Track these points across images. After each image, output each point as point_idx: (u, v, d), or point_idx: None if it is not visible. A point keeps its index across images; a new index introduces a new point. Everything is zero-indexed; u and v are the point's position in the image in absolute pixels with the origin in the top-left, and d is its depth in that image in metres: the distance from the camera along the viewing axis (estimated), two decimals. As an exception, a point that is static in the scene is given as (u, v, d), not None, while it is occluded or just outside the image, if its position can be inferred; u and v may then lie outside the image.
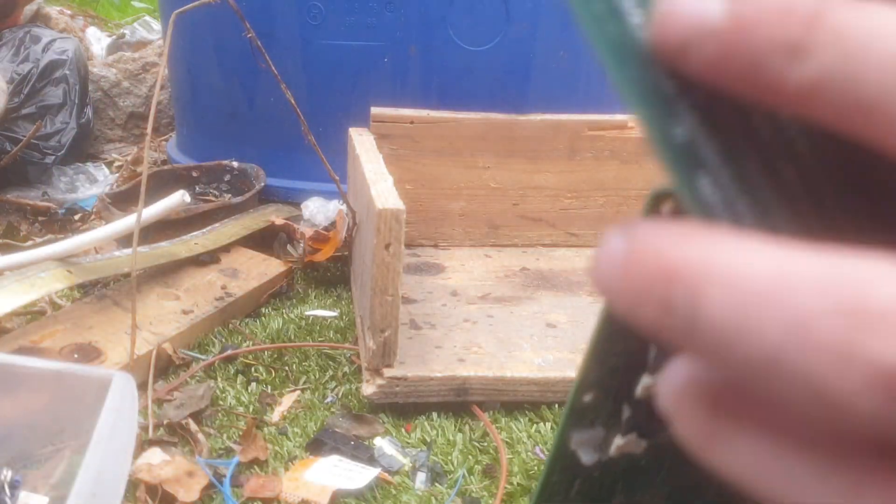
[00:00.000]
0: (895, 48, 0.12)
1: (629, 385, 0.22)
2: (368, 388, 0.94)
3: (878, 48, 0.12)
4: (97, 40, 2.33)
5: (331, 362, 1.06)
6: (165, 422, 0.92)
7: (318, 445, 0.90)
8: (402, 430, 0.93)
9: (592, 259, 0.15)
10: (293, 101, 1.09)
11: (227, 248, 1.28)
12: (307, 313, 1.18)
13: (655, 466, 0.24)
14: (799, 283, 0.12)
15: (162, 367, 1.02)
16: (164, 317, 1.08)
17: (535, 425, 0.94)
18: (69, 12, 2.45)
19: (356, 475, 0.84)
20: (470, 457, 0.89)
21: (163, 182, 1.44)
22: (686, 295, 0.13)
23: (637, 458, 0.24)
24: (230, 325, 1.13)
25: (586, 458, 0.23)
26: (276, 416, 0.95)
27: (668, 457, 0.24)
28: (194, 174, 1.53)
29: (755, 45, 0.13)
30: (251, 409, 0.96)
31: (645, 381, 0.21)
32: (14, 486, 0.75)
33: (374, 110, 1.27)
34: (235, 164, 1.53)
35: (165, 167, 1.61)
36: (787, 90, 0.13)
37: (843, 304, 0.11)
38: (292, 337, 1.11)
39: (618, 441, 0.23)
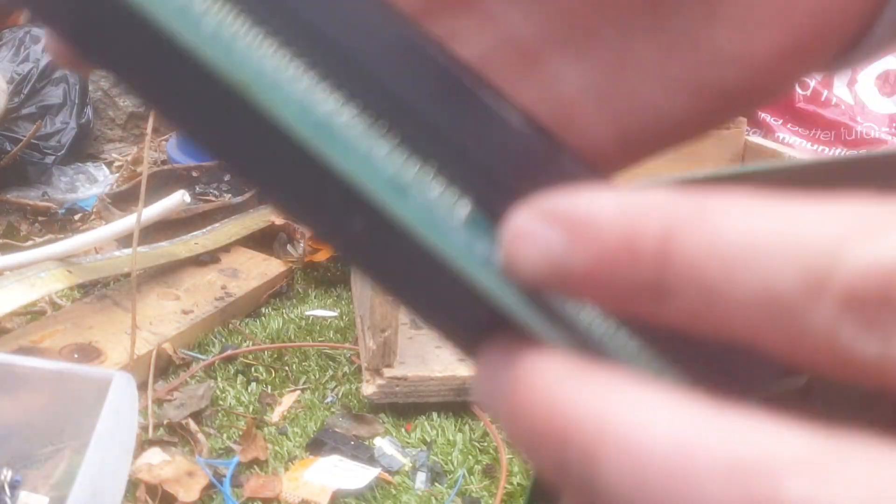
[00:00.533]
0: (755, 279, 0.11)
1: None
2: (368, 388, 0.94)
3: (736, 282, 0.11)
4: (97, 40, 2.33)
5: (331, 362, 1.06)
6: (165, 422, 0.92)
7: (318, 445, 0.90)
8: (402, 430, 0.93)
9: (474, 373, 0.13)
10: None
11: (227, 248, 1.28)
12: (307, 313, 1.17)
13: None
14: (703, 463, 0.10)
15: (162, 367, 1.02)
16: (164, 317, 1.08)
17: (535, 425, 0.94)
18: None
19: (356, 475, 0.84)
20: (470, 457, 0.89)
21: (163, 182, 1.44)
22: (581, 460, 0.11)
23: None
24: (230, 325, 1.13)
25: None
26: (276, 416, 0.95)
27: None
28: (194, 174, 1.53)
29: (617, 291, 0.12)
30: (251, 409, 0.96)
31: None
32: (14, 485, 0.75)
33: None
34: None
35: (165, 167, 1.61)
36: (665, 320, 0.12)
37: (752, 500, 0.10)
38: (292, 337, 1.11)
39: None
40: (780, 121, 1.61)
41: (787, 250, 0.11)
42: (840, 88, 1.62)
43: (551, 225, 0.12)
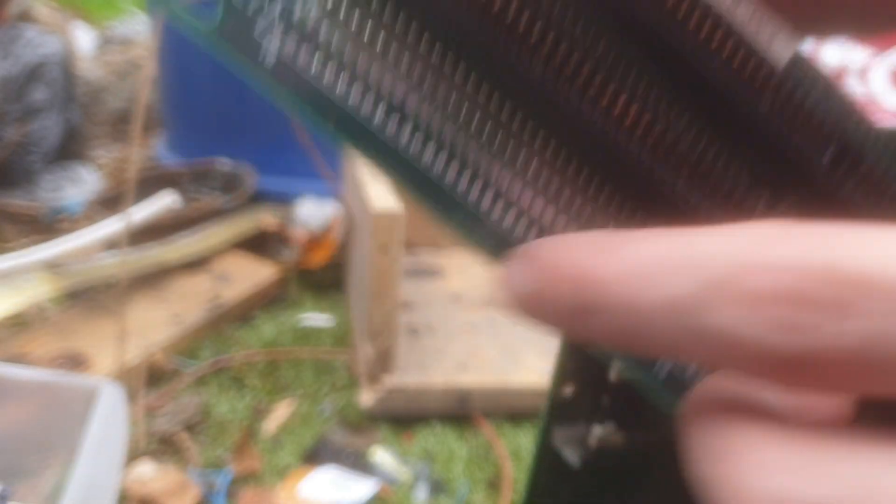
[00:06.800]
0: (658, 288, 0.13)
1: (604, 372, 0.23)
2: (366, 398, 0.91)
3: (643, 294, 0.13)
4: (85, 39, 2.30)
5: (327, 370, 1.03)
6: (156, 432, 0.89)
7: (314, 457, 0.87)
8: (402, 440, 0.90)
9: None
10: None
11: (218, 252, 1.25)
12: (302, 320, 1.15)
13: (643, 469, 0.25)
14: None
15: (153, 376, 0.99)
16: (155, 324, 1.05)
17: (538, 433, 0.91)
18: (56, 12, 2.41)
19: (354, 487, 0.82)
20: (474, 468, 0.86)
21: (152, 184, 1.41)
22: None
23: (622, 456, 0.24)
24: (222, 332, 1.10)
25: (571, 456, 0.24)
26: (270, 426, 0.93)
27: (655, 460, 0.24)
28: (184, 175, 1.50)
29: (559, 310, 0.14)
30: (244, 420, 0.93)
31: (617, 364, 0.21)
32: (3, 498, 0.73)
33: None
34: (226, 164, 1.50)
35: (154, 168, 1.58)
36: (599, 337, 0.14)
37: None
38: (286, 344, 1.09)
39: (597, 431, 0.23)
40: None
41: (685, 262, 0.13)
42: (852, 81, 1.61)
43: (519, 262, 0.15)
